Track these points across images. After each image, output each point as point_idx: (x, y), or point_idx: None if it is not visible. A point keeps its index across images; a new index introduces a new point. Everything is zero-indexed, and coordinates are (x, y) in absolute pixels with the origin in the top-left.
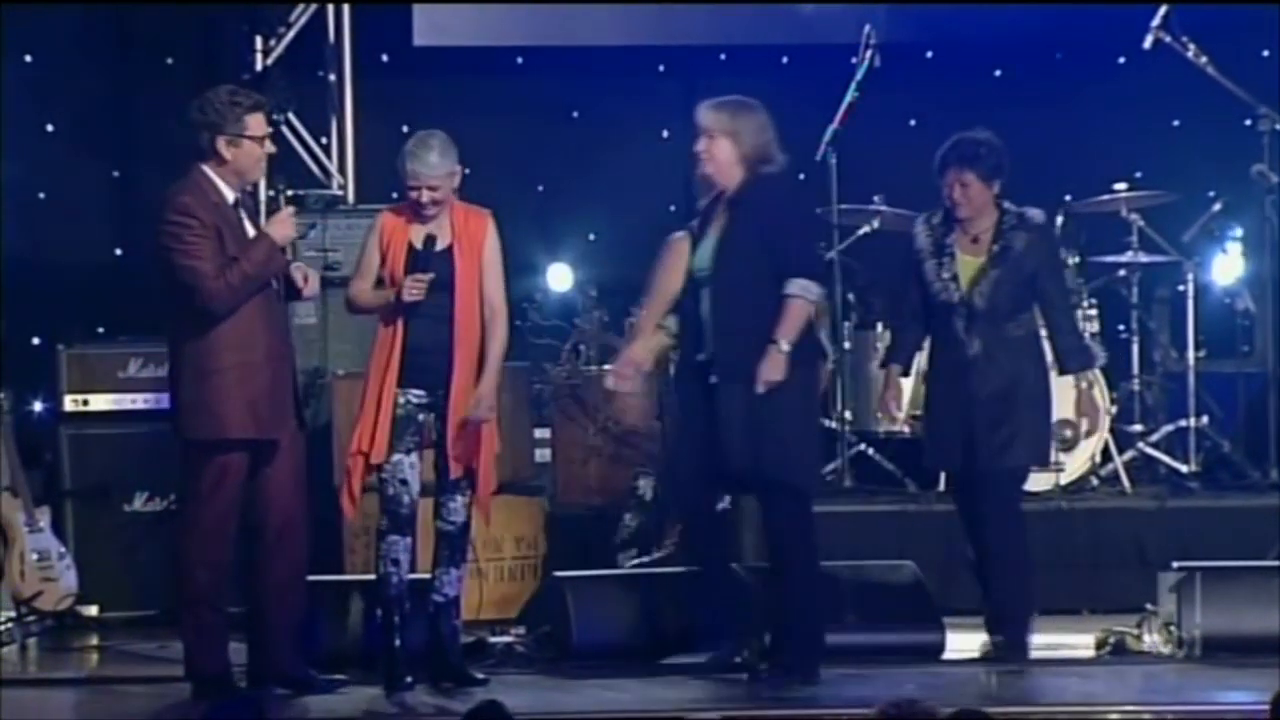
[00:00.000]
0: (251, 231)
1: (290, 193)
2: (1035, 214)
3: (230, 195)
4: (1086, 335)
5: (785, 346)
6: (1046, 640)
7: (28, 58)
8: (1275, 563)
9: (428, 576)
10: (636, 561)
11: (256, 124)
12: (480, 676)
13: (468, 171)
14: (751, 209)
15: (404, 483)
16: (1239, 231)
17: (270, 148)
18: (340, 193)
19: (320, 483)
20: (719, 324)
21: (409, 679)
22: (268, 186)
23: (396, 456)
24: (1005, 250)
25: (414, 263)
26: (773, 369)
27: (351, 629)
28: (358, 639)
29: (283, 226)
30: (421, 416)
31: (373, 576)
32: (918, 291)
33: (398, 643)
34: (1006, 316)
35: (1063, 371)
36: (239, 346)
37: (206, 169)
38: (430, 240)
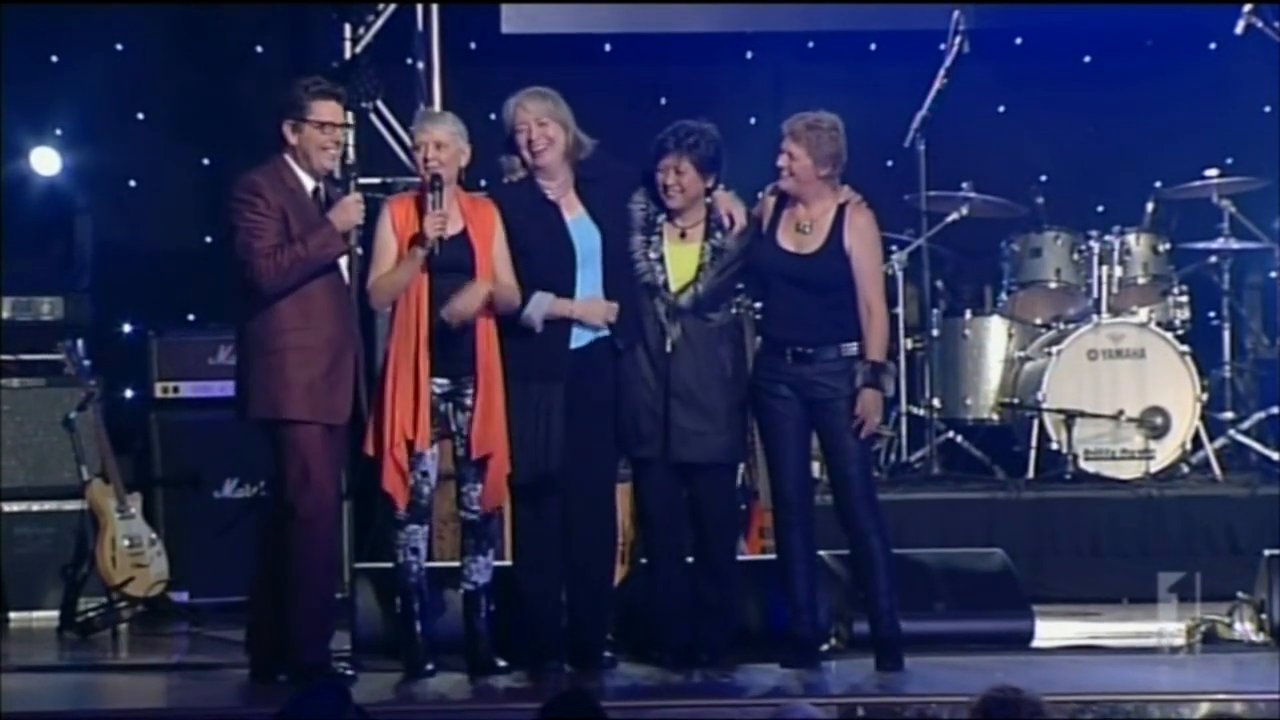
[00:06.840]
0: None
1: (379, 180)
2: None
3: (309, 183)
4: None
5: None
6: (1137, 629)
7: (119, 46)
8: None
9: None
10: None
11: (326, 110)
12: (503, 665)
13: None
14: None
15: (424, 474)
16: None
17: (341, 136)
18: None
19: None
20: None
21: (430, 666)
22: (343, 174)
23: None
24: (718, 249)
25: (433, 249)
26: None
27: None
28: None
29: (345, 212)
30: (442, 406)
31: (455, 564)
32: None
33: (419, 630)
34: (710, 307)
35: None
36: (297, 329)
37: (286, 156)
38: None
